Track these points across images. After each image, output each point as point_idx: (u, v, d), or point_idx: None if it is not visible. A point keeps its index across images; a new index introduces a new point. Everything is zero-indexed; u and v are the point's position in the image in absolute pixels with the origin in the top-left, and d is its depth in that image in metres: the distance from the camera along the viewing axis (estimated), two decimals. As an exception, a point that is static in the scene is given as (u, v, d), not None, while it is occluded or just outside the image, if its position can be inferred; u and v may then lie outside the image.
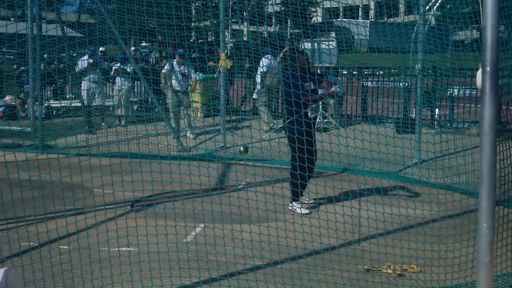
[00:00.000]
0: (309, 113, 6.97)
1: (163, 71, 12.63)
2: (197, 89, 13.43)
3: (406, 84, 12.63)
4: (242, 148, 7.05)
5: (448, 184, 7.97)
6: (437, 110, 12.37)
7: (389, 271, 5.10)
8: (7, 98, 16.56)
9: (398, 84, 13.57)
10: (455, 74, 9.66)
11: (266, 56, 12.87)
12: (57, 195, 5.52)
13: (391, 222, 5.76)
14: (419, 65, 9.50)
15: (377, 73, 14.78)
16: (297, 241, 5.25)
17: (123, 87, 14.02)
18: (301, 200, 7.20)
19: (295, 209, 7.07)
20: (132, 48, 14.63)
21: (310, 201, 7.28)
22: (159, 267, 4.86)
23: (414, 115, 10.46)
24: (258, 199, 5.42)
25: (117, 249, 5.16)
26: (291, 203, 7.15)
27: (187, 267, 4.89)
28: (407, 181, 8.37)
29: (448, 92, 12.14)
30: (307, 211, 6.99)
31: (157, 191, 6.43)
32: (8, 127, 11.67)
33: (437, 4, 11.68)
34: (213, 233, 5.24)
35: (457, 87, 12.41)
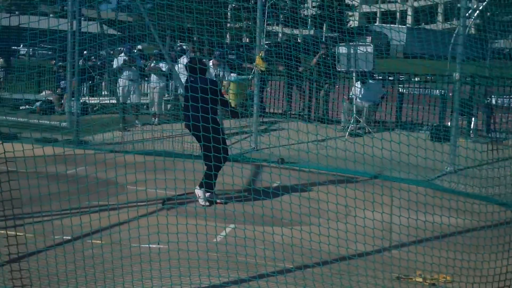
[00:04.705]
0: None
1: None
2: (231, 92, 13.47)
3: (443, 91, 12.44)
4: None
5: (484, 195, 7.79)
6: (473, 119, 12.16)
7: (420, 279, 5.02)
8: (45, 93, 16.87)
9: (434, 91, 13.37)
10: (494, 83, 9.48)
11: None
12: (91, 190, 5.58)
13: (424, 230, 5.66)
14: (456, 74, 9.33)
15: (413, 79, 14.60)
16: (329, 246, 5.19)
17: (158, 85, 14.10)
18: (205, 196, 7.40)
19: (198, 196, 7.37)
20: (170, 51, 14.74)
21: (206, 203, 7.40)
22: (188, 265, 4.88)
23: (450, 123, 10.30)
24: (292, 202, 5.37)
25: (147, 245, 5.20)
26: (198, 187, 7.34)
27: (216, 266, 4.89)
28: (441, 189, 8.23)
29: (486, 100, 11.92)
30: (206, 204, 7.31)
31: (189, 190, 6.46)
32: (48, 122, 11.87)
33: (477, 12, 11.49)
34: (243, 234, 5.22)
35: (496, 96, 12.18)
